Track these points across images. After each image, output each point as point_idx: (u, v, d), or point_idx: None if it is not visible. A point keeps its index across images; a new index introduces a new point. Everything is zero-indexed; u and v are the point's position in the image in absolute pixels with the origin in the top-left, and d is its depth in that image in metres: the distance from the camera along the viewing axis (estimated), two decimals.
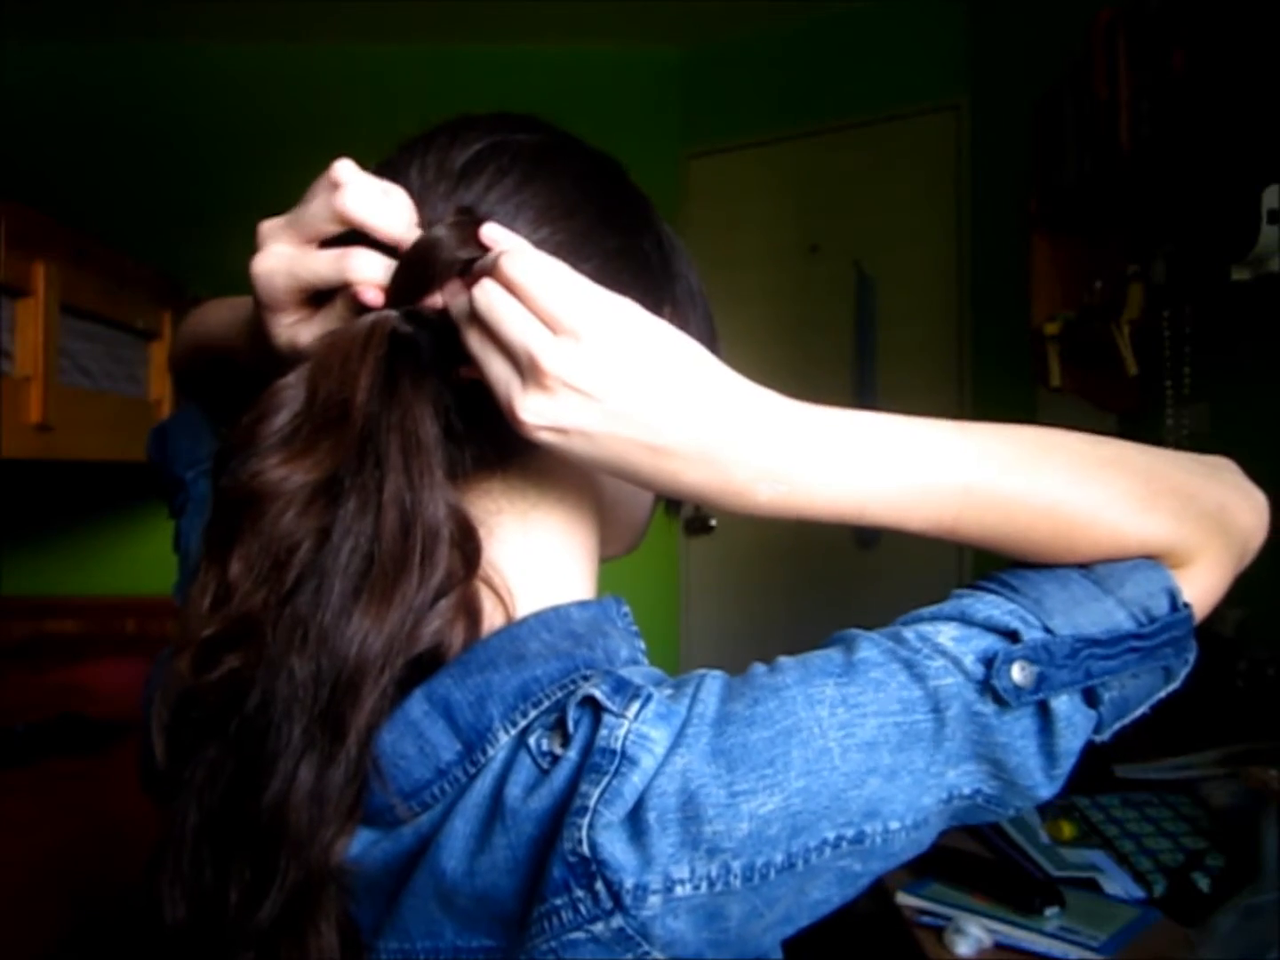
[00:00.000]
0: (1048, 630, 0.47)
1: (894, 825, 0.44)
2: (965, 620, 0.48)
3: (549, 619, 0.49)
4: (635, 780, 0.42)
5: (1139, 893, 1.17)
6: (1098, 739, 0.49)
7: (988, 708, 0.45)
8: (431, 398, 0.48)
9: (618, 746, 0.42)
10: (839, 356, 3.11)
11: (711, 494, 0.47)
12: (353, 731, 0.43)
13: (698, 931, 0.42)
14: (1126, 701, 0.49)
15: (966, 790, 0.46)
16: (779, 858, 0.42)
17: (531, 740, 0.45)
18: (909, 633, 0.47)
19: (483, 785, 0.45)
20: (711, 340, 0.59)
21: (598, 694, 0.44)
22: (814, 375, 2.93)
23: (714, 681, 0.46)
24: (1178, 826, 1.31)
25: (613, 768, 0.42)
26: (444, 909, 0.45)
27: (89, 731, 2.16)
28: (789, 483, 0.46)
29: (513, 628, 0.49)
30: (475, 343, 0.46)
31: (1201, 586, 0.53)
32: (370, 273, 0.48)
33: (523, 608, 0.50)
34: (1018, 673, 0.45)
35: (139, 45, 3.27)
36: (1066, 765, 0.47)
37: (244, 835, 0.43)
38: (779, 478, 0.46)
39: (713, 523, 3.29)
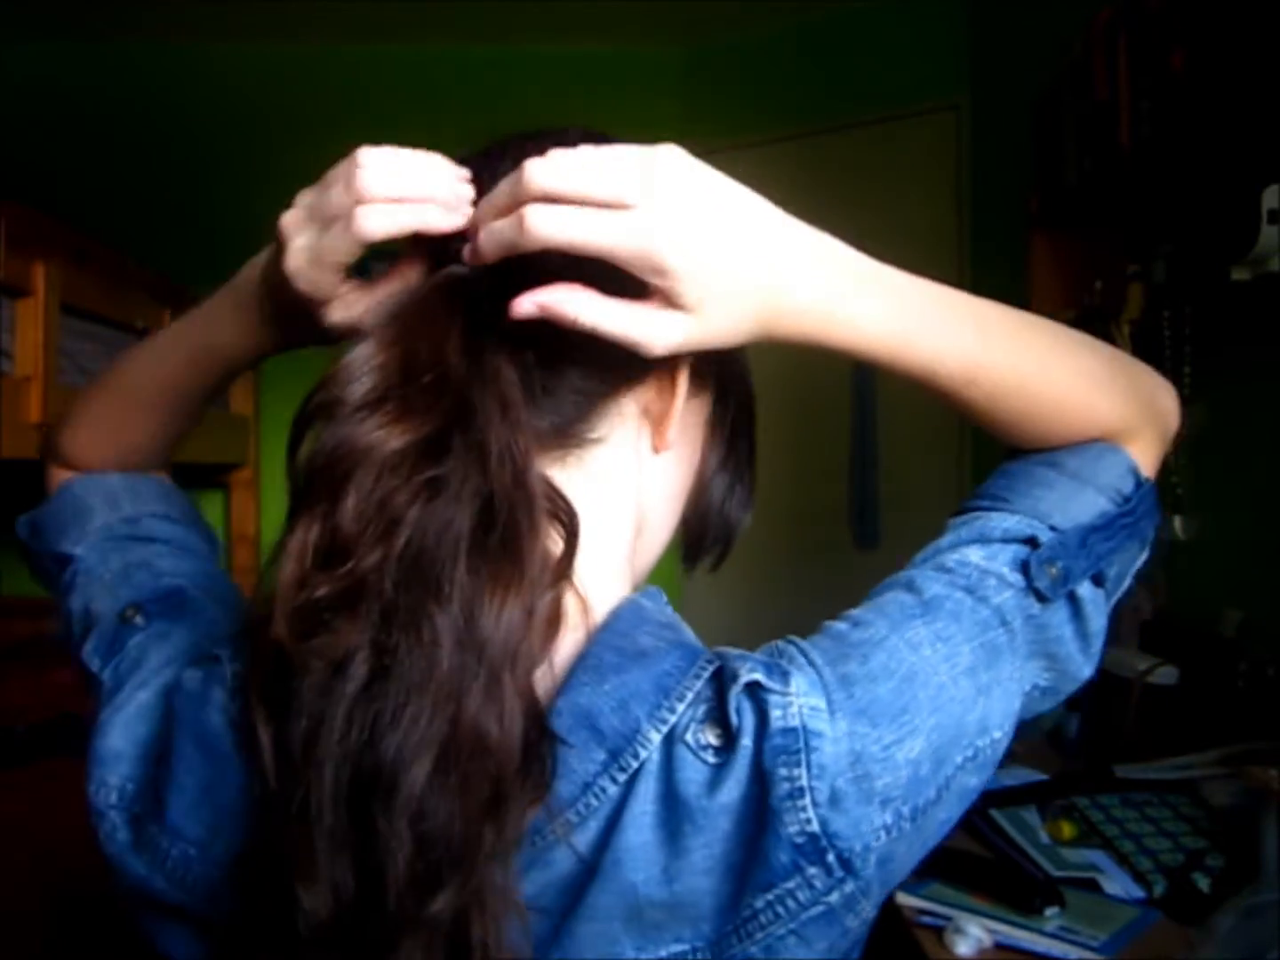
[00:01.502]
0: (1054, 529, 0.53)
1: (997, 734, 0.49)
2: (985, 540, 0.53)
3: (632, 613, 0.49)
4: (828, 750, 0.44)
5: (1139, 893, 1.17)
6: (1107, 610, 0.55)
7: (1035, 608, 0.51)
8: (511, 356, 0.48)
9: (797, 724, 0.44)
10: (839, 356, 3.10)
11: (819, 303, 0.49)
12: (508, 719, 0.42)
13: (881, 878, 0.45)
14: (1121, 576, 0.56)
15: (1027, 686, 0.52)
16: (932, 793, 0.46)
17: (688, 737, 0.44)
18: (949, 562, 0.52)
19: (645, 791, 0.44)
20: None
21: (759, 678, 0.44)
22: (813, 375, 2.93)
23: (808, 647, 0.48)
24: (1178, 826, 1.31)
25: (802, 744, 0.43)
26: (628, 926, 0.43)
27: (89, 731, 2.16)
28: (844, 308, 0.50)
29: (615, 624, 0.48)
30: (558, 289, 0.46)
31: (1143, 463, 0.58)
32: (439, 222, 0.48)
33: (596, 605, 0.50)
34: (1049, 571, 0.51)
35: (139, 45, 3.27)
36: (1098, 644, 0.54)
37: (392, 821, 0.41)
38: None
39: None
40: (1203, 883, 1.16)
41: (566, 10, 3.07)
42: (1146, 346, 1.56)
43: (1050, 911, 1.09)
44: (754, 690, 0.44)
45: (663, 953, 0.44)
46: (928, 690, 0.46)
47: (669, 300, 0.46)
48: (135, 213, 3.14)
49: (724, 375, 0.59)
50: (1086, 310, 1.87)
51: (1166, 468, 1.81)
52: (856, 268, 0.50)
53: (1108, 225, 1.94)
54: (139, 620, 0.57)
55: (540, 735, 0.43)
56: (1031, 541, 0.52)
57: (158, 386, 0.64)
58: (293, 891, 0.41)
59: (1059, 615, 0.52)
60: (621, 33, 3.26)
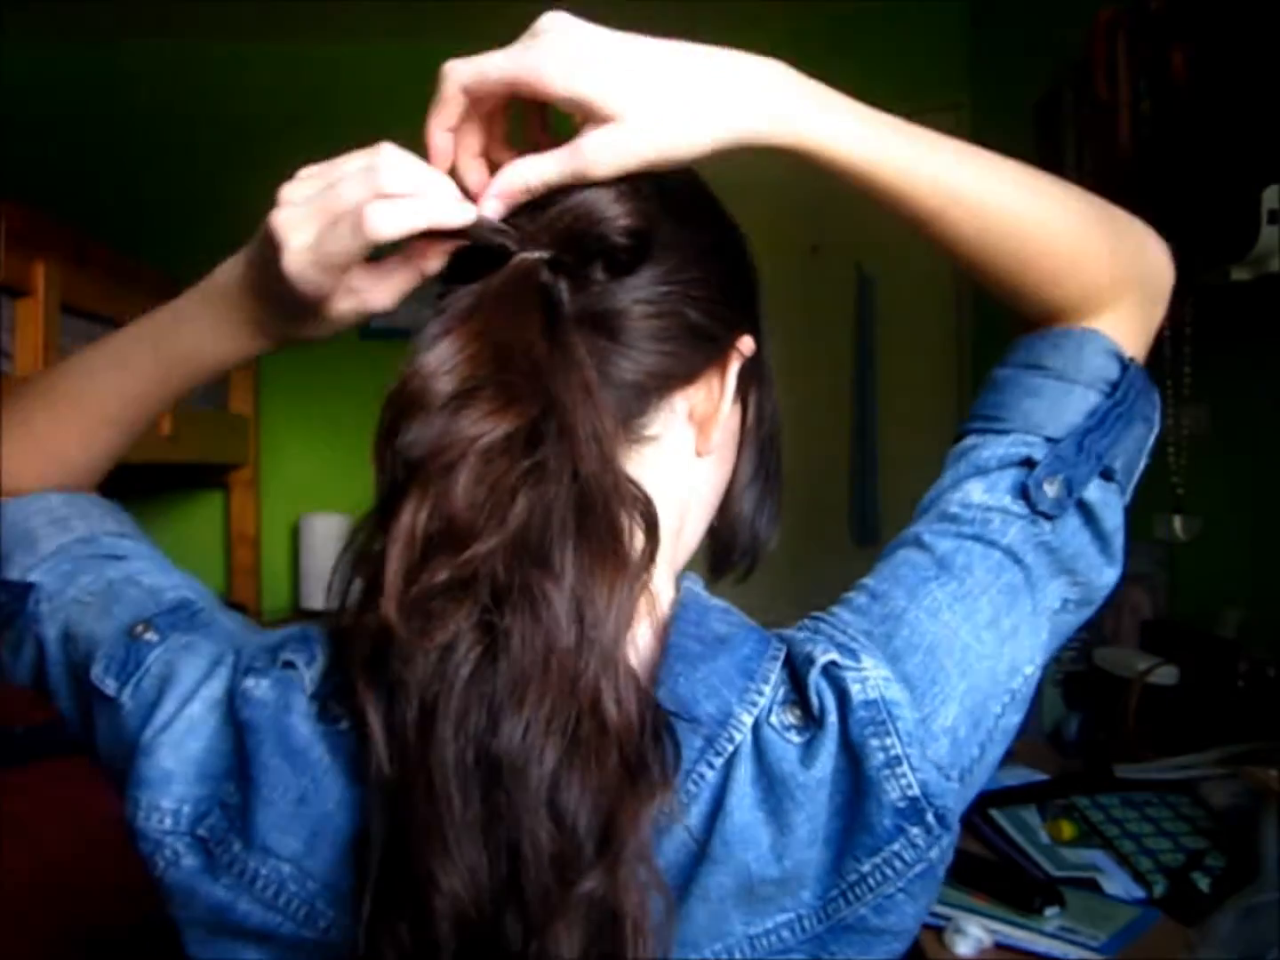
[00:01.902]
0: (1050, 440, 0.53)
1: (1029, 670, 0.51)
2: (983, 471, 0.53)
3: (695, 602, 0.51)
4: (909, 716, 0.46)
5: (1139, 893, 1.17)
6: (1125, 502, 0.55)
7: (1044, 529, 0.51)
8: (584, 340, 0.48)
9: (876, 695, 0.46)
10: (839, 356, 3.11)
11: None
12: (626, 701, 0.43)
13: None
14: (1131, 463, 0.55)
15: (1056, 605, 0.52)
16: (975, 751, 0.48)
17: (772, 719, 0.46)
18: (954, 508, 0.53)
19: (743, 773, 0.45)
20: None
21: (836, 657, 0.47)
22: (814, 375, 2.93)
23: (848, 622, 0.49)
24: (1178, 826, 1.31)
25: (885, 715, 0.46)
26: (739, 903, 0.45)
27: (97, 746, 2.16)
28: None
29: (686, 613, 0.49)
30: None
31: (1128, 335, 0.56)
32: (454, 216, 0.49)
33: (659, 596, 0.50)
34: (1049, 488, 0.51)
35: (139, 45, 3.26)
36: (1118, 541, 0.54)
37: (527, 804, 0.41)
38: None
39: None
40: (1203, 883, 1.16)
41: (566, 10, 3.06)
42: None
43: (1050, 911, 1.09)
44: (830, 669, 0.46)
45: (769, 923, 0.46)
46: (953, 657, 0.48)
47: (597, 117, 0.48)
48: (135, 213, 3.14)
49: (759, 389, 0.60)
50: None
51: (1166, 468, 1.80)
52: (814, 85, 0.52)
53: None
54: (151, 636, 0.53)
55: (658, 718, 0.44)
56: (1028, 463, 0.52)
57: (123, 399, 0.60)
58: (422, 881, 0.41)
59: (1070, 526, 0.52)
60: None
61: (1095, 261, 0.55)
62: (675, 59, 0.50)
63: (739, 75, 0.50)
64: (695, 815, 0.45)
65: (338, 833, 0.46)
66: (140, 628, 0.53)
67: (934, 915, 1.10)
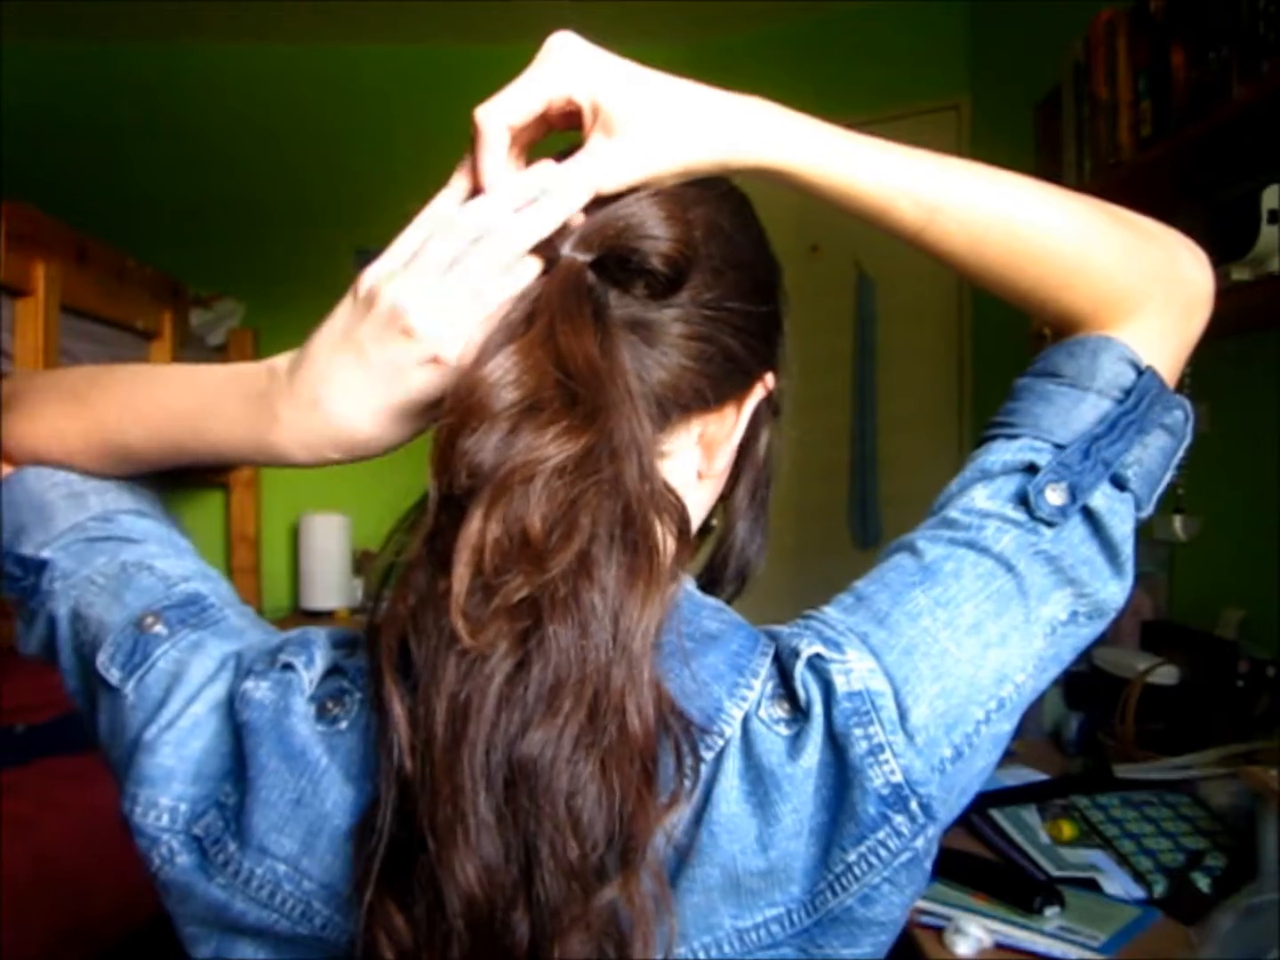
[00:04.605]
0: (1057, 446, 0.52)
1: (1019, 678, 0.50)
2: (987, 476, 0.53)
3: (690, 601, 0.51)
4: (891, 704, 0.47)
5: (1139, 893, 1.17)
6: (1144, 515, 0.54)
7: (1042, 537, 0.50)
8: (625, 342, 0.49)
9: (860, 687, 0.47)
10: (839, 356, 3.11)
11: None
12: (648, 709, 0.44)
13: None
14: (1151, 472, 0.54)
15: (1063, 616, 0.51)
16: (948, 752, 0.48)
17: (761, 712, 0.47)
18: (954, 513, 0.52)
19: (732, 767, 0.46)
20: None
21: (820, 649, 0.47)
22: (814, 375, 2.92)
23: (838, 618, 0.50)
24: (1178, 826, 1.31)
25: (869, 705, 0.46)
26: (726, 896, 0.46)
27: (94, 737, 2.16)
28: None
29: (680, 611, 0.50)
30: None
31: (1146, 342, 0.54)
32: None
33: None
34: (1052, 495, 0.51)
35: (139, 45, 3.27)
36: (1127, 550, 0.52)
37: (547, 810, 0.42)
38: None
39: None
40: (1203, 883, 1.16)
41: (566, 11, 3.06)
42: None
43: (1050, 911, 1.09)
44: (815, 661, 0.47)
45: (758, 918, 0.46)
46: (929, 660, 0.48)
47: (603, 128, 0.50)
48: (135, 213, 3.14)
49: (770, 426, 0.61)
50: None
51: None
52: (797, 115, 0.54)
53: None
54: (160, 629, 0.53)
55: (681, 725, 0.45)
56: (1031, 468, 0.52)
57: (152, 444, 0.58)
58: (438, 873, 0.42)
59: (1074, 535, 0.51)
60: (621, 33, 3.24)
61: (1102, 268, 0.54)
62: (672, 84, 0.51)
63: (728, 99, 0.52)
64: (687, 810, 0.46)
65: (335, 833, 0.47)
66: (150, 619, 0.53)
67: (934, 915, 1.10)
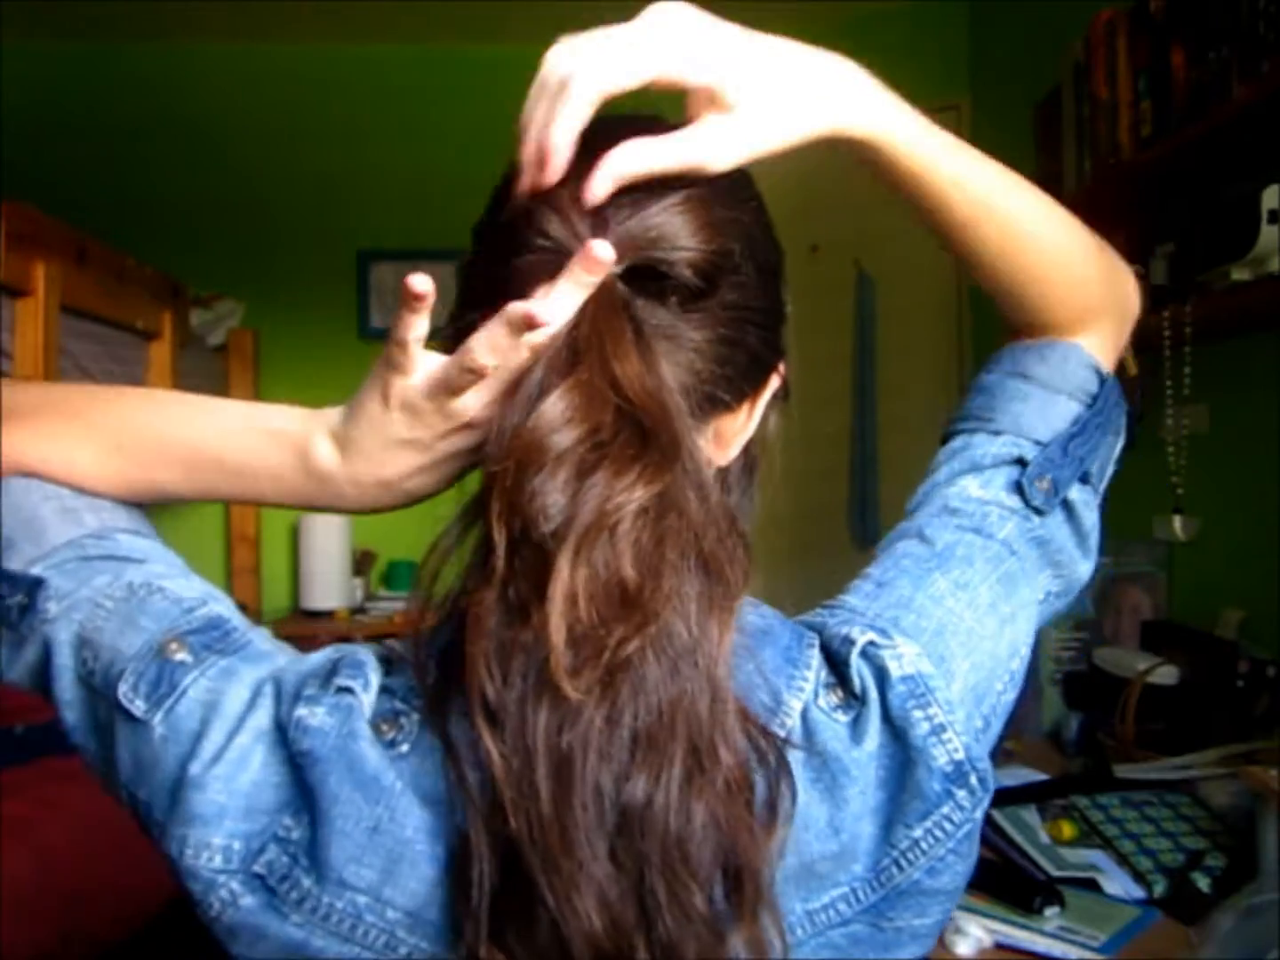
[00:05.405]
0: (1038, 443, 0.57)
1: (1024, 651, 0.55)
2: (978, 468, 0.57)
3: None
4: (943, 685, 0.49)
5: (1139, 893, 1.17)
6: (1097, 503, 0.60)
7: (1035, 524, 0.56)
8: (664, 354, 0.49)
9: (914, 670, 0.49)
10: (839, 356, 3.11)
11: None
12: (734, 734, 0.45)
13: None
14: (1104, 467, 0.60)
15: (1041, 595, 0.57)
16: (979, 724, 0.51)
17: (819, 701, 0.49)
18: (953, 502, 0.56)
19: (795, 756, 0.47)
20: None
21: (874, 636, 0.49)
22: (814, 375, 2.92)
23: (857, 609, 0.53)
24: (1178, 826, 1.31)
25: (924, 687, 0.49)
26: (799, 884, 0.47)
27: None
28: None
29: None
30: None
31: (1103, 353, 0.61)
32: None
33: None
34: (1040, 486, 0.56)
35: (138, 45, 3.27)
36: (1094, 538, 0.59)
37: (658, 852, 0.42)
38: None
39: None
40: (1203, 883, 1.16)
41: (566, 11, 3.06)
42: (1146, 346, 1.56)
43: (1050, 911, 1.09)
44: (868, 649, 0.49)
45: (825, 898, 0.47)
46: (958, 638, 0.51)
47: (714, 104, 0.48)
48: (135, 213, 3.14)
49: (774, 412, 0.61)
50: None
51: (1166, 468, 1.81)
52: (888, 91, 0.54)
53: (1107, 225, 1.94)
54: (184, 656, 0.49)
55: (768, 742, 0.45)
56: (1020, 461, 0.57)
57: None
58: (552, 923, 0.42)
59: (1055, 522, 0.57)
60: None
61: (1091, 285, 0.60)
62: (779, 52, 0.52)
63: (834, 68, 0.53)
64: (787, 830, 0.46)
65: (417, 858, 0.45)
66: (173, 645, 0.50)
67: None
